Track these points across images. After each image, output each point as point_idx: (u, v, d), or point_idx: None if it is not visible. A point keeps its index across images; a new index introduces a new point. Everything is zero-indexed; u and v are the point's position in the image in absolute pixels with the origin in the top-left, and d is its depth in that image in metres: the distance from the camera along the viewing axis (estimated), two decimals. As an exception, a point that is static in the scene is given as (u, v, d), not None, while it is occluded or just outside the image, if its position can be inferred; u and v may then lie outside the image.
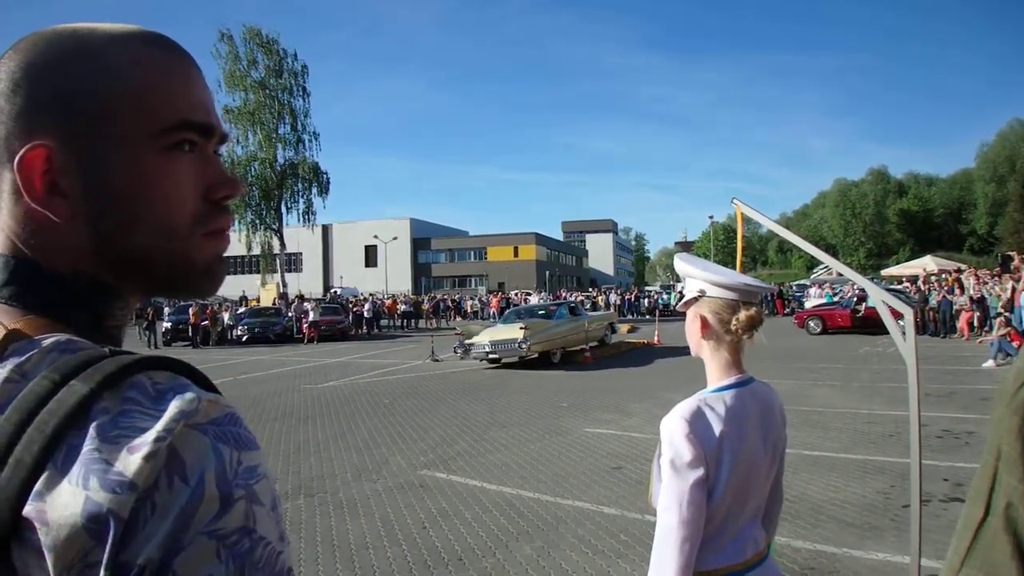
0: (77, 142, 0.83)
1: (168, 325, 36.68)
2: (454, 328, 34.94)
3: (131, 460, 0.68)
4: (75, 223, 0.84)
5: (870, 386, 15.30)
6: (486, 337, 22.24)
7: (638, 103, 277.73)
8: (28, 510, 0.67)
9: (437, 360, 24.05)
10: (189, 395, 0.73)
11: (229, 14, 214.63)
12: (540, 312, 25.54)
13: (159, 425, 0.70)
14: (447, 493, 8.35)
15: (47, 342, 0.76)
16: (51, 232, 0.84)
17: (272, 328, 37.19)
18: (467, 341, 22.85)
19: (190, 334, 35.60)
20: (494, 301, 55.38)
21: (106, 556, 0.66)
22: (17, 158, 0.81)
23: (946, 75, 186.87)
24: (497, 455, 10.13)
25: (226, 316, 39.35)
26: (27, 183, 0.82)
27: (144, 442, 0.69)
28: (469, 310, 55.89)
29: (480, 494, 8.26)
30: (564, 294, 58.13)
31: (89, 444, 0.69)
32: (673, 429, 2.11)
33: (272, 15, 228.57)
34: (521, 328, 21.60)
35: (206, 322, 36.48)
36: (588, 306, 41.85)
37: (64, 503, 0.67)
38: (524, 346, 21.00)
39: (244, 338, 36.49)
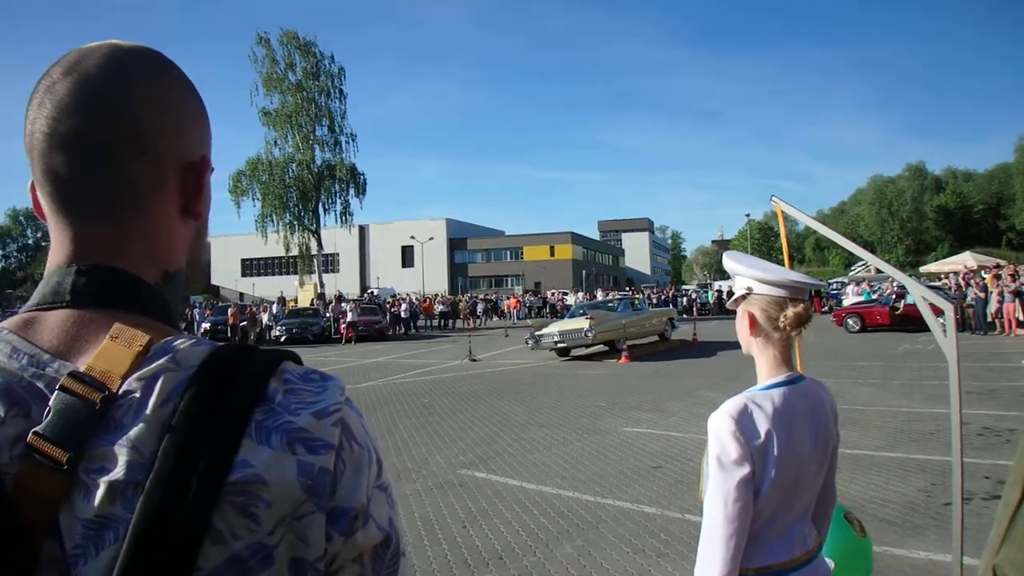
0: (207, 159, 1.00)
1: (207, 326, 37.07)
2: (493, 328, 35.55)
3: (322, 426, 0.83)
4: (191, 229, 1.01)
5: (910, 384, 15.17)
6: (555, 328, 24.28)
7: (674, 99, 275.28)
8: (242, 475, 0.76)
9: (475, 360, 24.12)
10: (337, 379, 0.90)
11: (266, 16, 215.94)
12: (605, 306, 27.60)
13: (329, 399, 0.86)
14: (487, 492, 8.39)
15: (182, 341, 0.86)
16: (180, 237, 0.99)
17: (310, 329, 37.46)
18: (537, 332, 24.66)
19: (228, 334, 35.89)
20: (514, 301, 55.84)
21: (324, 503, 0.81)
22: (198, 164, 0.98)
23: (984, 68, 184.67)
24: (536, 454, 10.16)
25: (265, 317, 39.62)
26: (196, 188, 0.98)
27: (326, 411, 0.84)
28: (506, 310, 55.89)
29: (520, 493, 8.29)
30: (600, 293, 58.08)
31: (279, 417, 0.81)
32: (720, 426, 2.12)
33: (308, 15, 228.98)
34: (588, 319, 23.29)
35: (244, 322, 36.84)
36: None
37: (276, 466, 0.78)
38: (590, 334, 22.77)
39: (282, 339, 36.61)
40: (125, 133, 0.90)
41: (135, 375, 0.81)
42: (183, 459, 0.76)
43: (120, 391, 0.80)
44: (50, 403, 0.78)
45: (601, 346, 24.30)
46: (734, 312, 2.42)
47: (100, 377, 0.80)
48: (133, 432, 0.77)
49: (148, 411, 0.78)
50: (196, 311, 39.01)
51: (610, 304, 28.25)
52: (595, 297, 50.96)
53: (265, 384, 0.83)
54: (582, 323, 23.30)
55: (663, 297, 53.95)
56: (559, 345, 23.54)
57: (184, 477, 0.75)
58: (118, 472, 0.76)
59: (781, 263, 4.08)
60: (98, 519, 0.75)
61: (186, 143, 0.97)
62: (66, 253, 0.91)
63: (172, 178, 0.95)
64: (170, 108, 0.95)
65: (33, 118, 0.90)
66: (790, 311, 2.24)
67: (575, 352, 24.53)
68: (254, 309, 40.13)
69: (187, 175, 0.97)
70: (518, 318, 52.78)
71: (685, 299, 55.14)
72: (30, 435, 0.76)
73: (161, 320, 0.92)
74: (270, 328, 38.63)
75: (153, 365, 0.81)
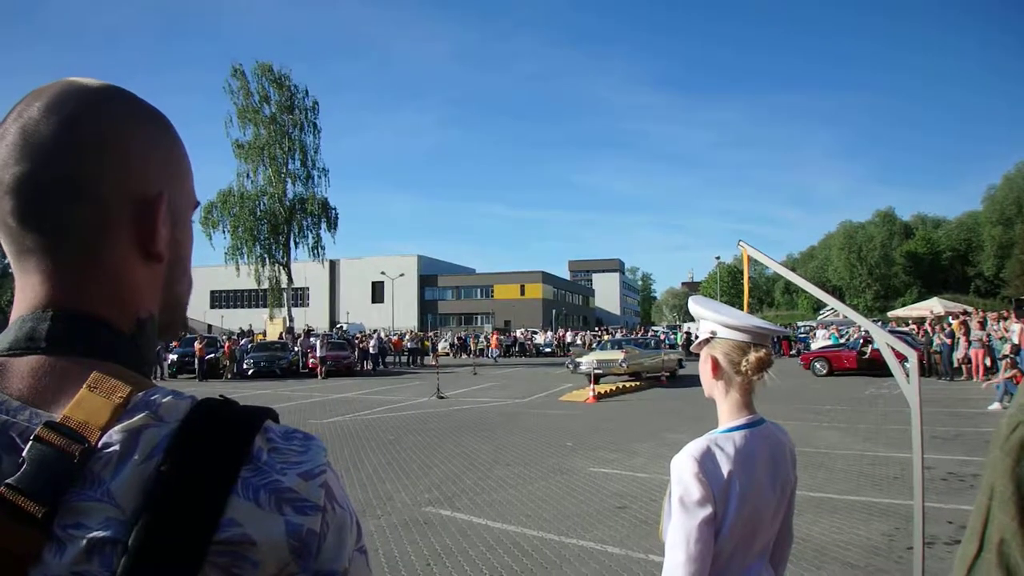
0: (172, 197, 0.95)
1: (174, 357, 36.70)
2: (462, 365, 36.59)
3: (309, 487, 0.82)
4: (158, 271, 0.96)
5: (875, 428, 15.27)
6: (593, 357, 28.04)
7: (647, 142, 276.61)
8: (230, 535, 0.75)
9: (443, 397, 24.00)
10: (318, 439, 0.89)
11: (242, 49, 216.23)
12: (633, 343, 32.92)
13: (314, 460, 0.85)
14: (451, 531, 8.32)
15: (162, 394, 0.83)
16: (144, 281, 0.94)
17: (279, 363, 37.08)
18: (578, 359, 29.55)
19: (196, 367, 35.60)
20: (472, 341, 56.61)
21: (309, 566, 0.80)
22: (152, 201, 0.92)
23: (954, 118, 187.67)
24: (502, 493, 10.11)
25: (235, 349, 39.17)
26: (149, 227, 0.92)
27: (312, 472, 0.83)
28: (474, 348, 55.74)
29: (484, 532, 8.24)
30: (569, 334, 58.24)
31: (267, 476, 0.79)
32: (683, 468, 2.14)
33: (285, 48, 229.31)
34: (622, 352, 28.41)
35: (211, 355, 36.59)
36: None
37: (264, 526, 0.77)
38: (624, 365, 27.40)
39: (250, 372, 36.42)
40: (58, 178, 0.86)
41: (116, 428, 0.77)
42: (168, 516, 0.73)
43: (99, 444, 0.76)
44: (24, 454, 0.74)
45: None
46: (699, 355, 2.44)
47: (78, 428, 0.76)
48: (114, 487, 0.74)
49: (130, 466, 0.75)
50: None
51: (638, 341, 34.52)
52: (564, 337, 51.24)
53: (250, 442, 0.81)
54: (617, 355, 27.96)
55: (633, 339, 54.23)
56: (595, 372, 25.68)
57: (169, 535, 0.73)
58: (97, 528, 0.72)
59: (749, 306, 4.12)
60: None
61: (136, 180, 0.91)
62: (37, 298, 0.88)
63: (123, 219, 0.90)
64: (111, 145, 0.89)
65: None
66: (752, 356, 2.27)
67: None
68: (231, 344, 39.41)
69: (140, 214, 0.91)
70: (496, 358, 52.50)
71: (654, 340, 55.30)
72: (1, 487, 0.72)
73: (135, 370, 0.88)
74: (238, 361, 38.15)
75: (135, 418, 0.78)
